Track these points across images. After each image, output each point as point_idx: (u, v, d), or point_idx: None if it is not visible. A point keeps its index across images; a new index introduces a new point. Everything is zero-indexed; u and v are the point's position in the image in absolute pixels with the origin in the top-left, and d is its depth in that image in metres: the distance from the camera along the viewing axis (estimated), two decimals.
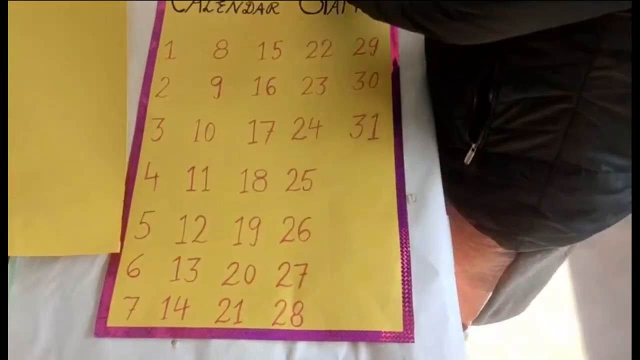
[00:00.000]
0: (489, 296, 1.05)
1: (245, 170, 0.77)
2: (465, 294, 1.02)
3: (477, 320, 1.16)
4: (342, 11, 0.87)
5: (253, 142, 0.79)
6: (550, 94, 0.65)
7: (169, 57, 0.86)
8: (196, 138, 0.79)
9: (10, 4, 0.81)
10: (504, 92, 0.68)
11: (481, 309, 1.09)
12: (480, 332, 1.57)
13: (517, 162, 0.74)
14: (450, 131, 0.79)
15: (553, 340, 1.63)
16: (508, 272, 0.97)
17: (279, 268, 0.71)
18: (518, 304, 1.10)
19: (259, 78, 0.83)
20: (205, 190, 0.76)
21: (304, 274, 0.70)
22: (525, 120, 0.69)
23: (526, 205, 0.76)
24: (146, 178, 0.77)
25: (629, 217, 0.73)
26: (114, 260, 0.72)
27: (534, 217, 0.77)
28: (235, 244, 0.72)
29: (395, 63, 0.83)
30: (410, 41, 0.84)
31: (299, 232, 0.73)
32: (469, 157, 0.77)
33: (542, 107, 0.67)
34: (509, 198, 0.78)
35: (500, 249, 0.91)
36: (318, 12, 0.88)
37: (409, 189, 0.75)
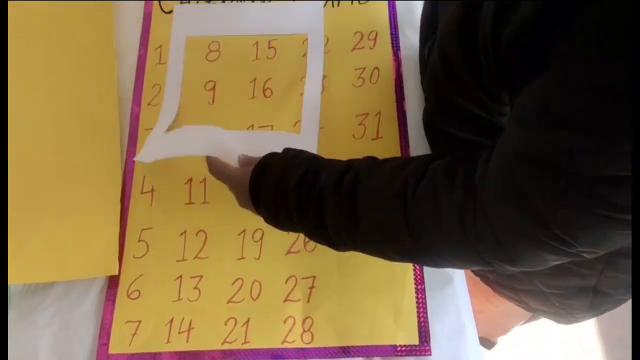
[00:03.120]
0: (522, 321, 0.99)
1: None
2: (495, 318, 0.96)
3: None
4: (338, 4, 0.82)
5: None
6: None
7: (159, 63, 0.82)
8: None
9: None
10: None
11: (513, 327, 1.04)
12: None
13: None
14: None
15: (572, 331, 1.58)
16: None
17: (286, 282, 0.68)
18: None
19: (254, 80, 0.79)
20: (205, 202, 0.72)
21: (312, 287, 0.67)
22: None
23: (583, 287, 0.68)
24: (142, 193, 0.74)
25: None
26: (112, 282, 0.69)
27: (595, 296, 0.69)
28: (238, 259, 0.69)
29: (396, 57, 0.78)
30: (411, 33, 0.80)
31: (305, 243, 0.69)
32: None
33: None
34: (560, 284, 0.70)
35: None
36: None
37: None
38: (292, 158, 0.57)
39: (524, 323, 0.99)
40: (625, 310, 0.77)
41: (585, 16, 0.34)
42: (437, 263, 0.52)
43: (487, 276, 0.78)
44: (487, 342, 1.14)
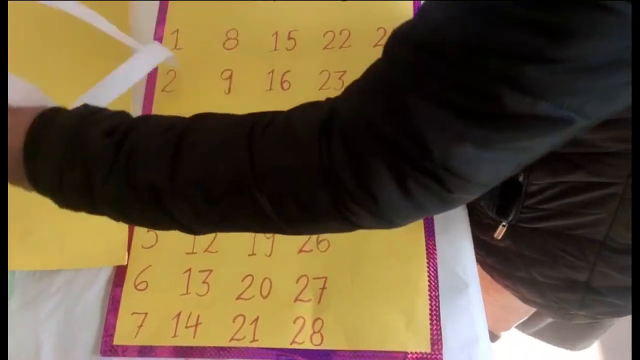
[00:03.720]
0: (523, 318, 0.98)
1: None
2: (495, 312, 0.94)
3: (523, 329, 1.07)
4: None
5: None
6: (592, 180, 0.56)
7: (175, 48, 0.80)
8: None
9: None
10: (536, 176, 0.60)
11: (521, 321, 1.02)
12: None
13: (559, 240, 0.64)
14: (473, 210, 0.70)
15: None
16: None
17: (297, 281, 0.66)
18: None
19: (272, 71, 0.77)
20: None
21: (323, 288, 0.66)
22: (564, 202, 0.60)
23: (575, 281, 0.67)
24: None
25: None
26: (120, 271, 0.67)
27: (587, 293, 0.68)
28: (249, 255, 0.68)
29: None
30: None
31: (318, 242, 0.68)
32: (500, 232, 0.68)
33: (583, 191, 0.57)
34: (553, 274, 0.69)
35: None
36: None
37: None
38: (93, 112, 0.46)
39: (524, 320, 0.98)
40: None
41: None
42: (281, 220, 0.42)
43: (485, 261, 0.76)
44: (491, 335, 1.14)
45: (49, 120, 0.44)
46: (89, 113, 0.45)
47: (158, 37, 0.81)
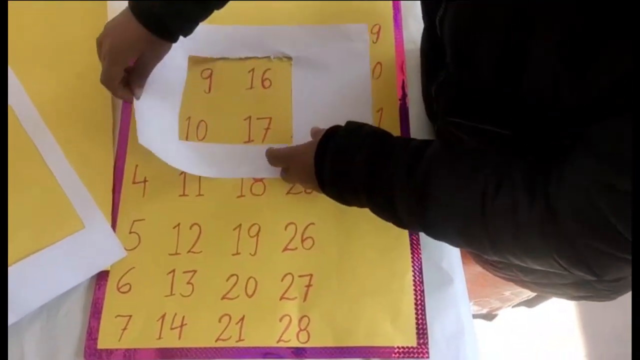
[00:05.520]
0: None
1: None
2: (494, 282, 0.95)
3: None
4: None
5: (249, 140, 0.73)
6: None
7: None
8: (187, 137, 0.73)
9: None
10: None
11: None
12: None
13: None
14: None
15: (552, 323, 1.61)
16: None
17: (282, 280, 0.66)
18: None
19: (252, 70, 0.77)
20: (199, 195, 0.70)
21: (309, 285, 0.66)
22: None
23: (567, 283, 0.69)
24: (134, 183, 0.71)
25: None
26: (102, 274, 0.66)
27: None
28: (233, 254, 0.67)
29: (400, 51, 0.77)
30: (416, 26, 0.78)
31: (302, 240, 0.68)
32: None
33: None
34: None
35: None
36: None
37: None
38: (356, 129, 0.57)
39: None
40: (604, 305, 0.79)
41: None
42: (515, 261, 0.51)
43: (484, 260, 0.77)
44: (488, 315, 1.16)
45: (325, 145, 0.57)
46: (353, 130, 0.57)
47: None
